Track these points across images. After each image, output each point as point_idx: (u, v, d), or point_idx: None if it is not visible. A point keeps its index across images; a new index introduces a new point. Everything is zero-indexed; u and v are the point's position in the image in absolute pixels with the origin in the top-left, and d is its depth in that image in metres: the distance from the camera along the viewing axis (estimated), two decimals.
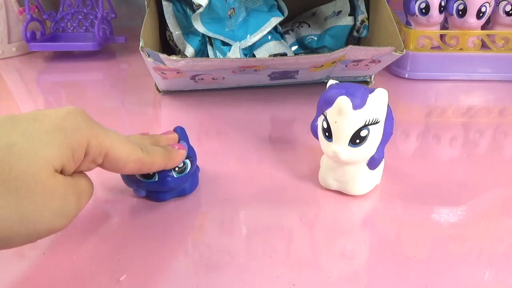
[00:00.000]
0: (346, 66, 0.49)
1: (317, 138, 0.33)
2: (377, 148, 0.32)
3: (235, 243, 0.29)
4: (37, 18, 0.69)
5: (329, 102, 0.30)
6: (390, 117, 0.32)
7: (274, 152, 0.41)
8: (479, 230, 0.31)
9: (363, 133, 0.30)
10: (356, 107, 0.29)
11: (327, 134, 0.31)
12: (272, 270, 0.27)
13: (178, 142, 0.32)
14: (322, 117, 0.32)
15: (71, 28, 0.72)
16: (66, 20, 0.72)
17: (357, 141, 0.30)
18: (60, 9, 0.71)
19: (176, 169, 0.31)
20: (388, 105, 0.32)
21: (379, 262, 0.28)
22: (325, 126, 0.31)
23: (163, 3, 0.53)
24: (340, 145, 0.31)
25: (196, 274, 0.27)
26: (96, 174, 0.38)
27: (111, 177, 0.37)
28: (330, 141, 0.31)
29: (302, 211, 0.33)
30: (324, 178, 0.35)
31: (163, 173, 0.31)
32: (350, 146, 0.31)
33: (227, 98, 0.53)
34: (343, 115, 0.30)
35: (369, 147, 0.31)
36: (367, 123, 0.30)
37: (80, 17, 0.72)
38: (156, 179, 0.30)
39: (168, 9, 0.53)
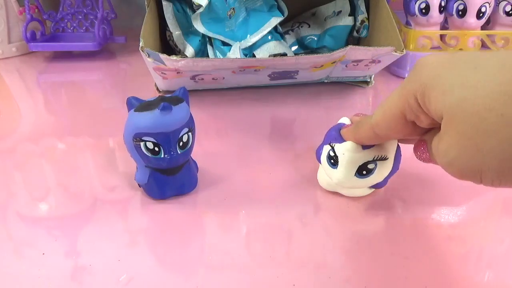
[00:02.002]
0: (346, 66, 0.49)
1: (320, 162, 0.33)
2: (384, 178, 0.32)
3: (235, 243, 0.29)
4: (37, 18, 0.69)
5: (339, 139, 0.31)
6: (399, 154, 0.32)
7: (274, 152, 0.41)
8: (479, 230, 0.31)
9: (370, 166, 0.30)
10: (365, 147, 0.30)
11: (332, 161, 0.31)
12: (272, 270, 0.27)
13: (180, 103, 0.31)
14: (328, 146, 0.32)
15: (71, 28, 0.72)
16: (66, 20, 0.72)
17: (364, 172, 0.30)
18: (60, 9, 0.71)
19: (181, 144, 0.31)
20: (398, 144, 0.32)
21: (379, 262, 0.28)
22: (332, 154, 0.31)
23: (163, 3, 0.53)
24: (345, 175, 0.31)
25: (196, 274, 0.27)
26: (95, 175, 0.38)
27: (111, 177, 0.37)
28: (335, 168, 0.31)
29: (302, 211, 0.33)
30: (323, 180, 0.35)
31: (169, 150, 0.30)
32: (357, 176, 0.31)
33: (227, 98, 0.53)
34: (352, 153, 0.30)
35: (376, 179, 0.31)
36: (375, 158, 0.30)
37: (80, 17, 0.72)
38: (162, 155, 0.30)
39: (168, 9, 0.53)
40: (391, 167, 0.32)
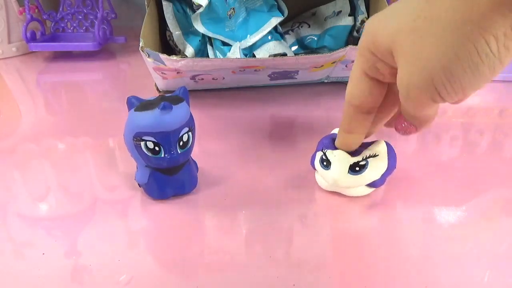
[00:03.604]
0: (346, 66, 0.49)
1: (314, 168, 0.34)
2: (381, 175, 0.33)
3: (235, 243, 0.29)
4: (37, 18, 0.69)
5: (331, 147, 0.33)
6: (393, 153, 0.33)
7: (274, 152, 0.41)
8: (479, 230, 0.31)
9: (362, 162, 0.32)
10: (354, 154, 0.32)
11: (325, 163, 0.33)
12: (272, 270, 0.27)
13: (180, 103, 0.31)
14: (320, 152, 0.33)
15: (71, 28, 0.72)
16: (66, 20, 0.72)
17: (357, 168, 0.32)
18: (60, 9, 0.71)
19: (181, 143, 0.31)
20: (389, 144, 0.33)
21: (379, 262, 0.28)
22: (324, 158, 0.33)
23: (163, 3, 0.53)
24: (339, 173, 0.32)
25: (196, 274, 0.27)
26: (95, 175, 0.38)
27: (111, 177, 0.37)
28: (328, 169, 0.32)
29: (302, 211, 0.33)
30: (321, 181, 0.35)
31: (169, 150, 0.30)
32: (350, 173, 0.32)
33: (227, 98, 0.53)
34: (343, 156, 0.32)
35: (371, 175, 0.32)
36: (365, 157, 0.32)
37: (80, 17, 0.72)
38: (162, 155, 0.30)
39: (168, 9, 0.53)
40: (385, 165, 0.33)
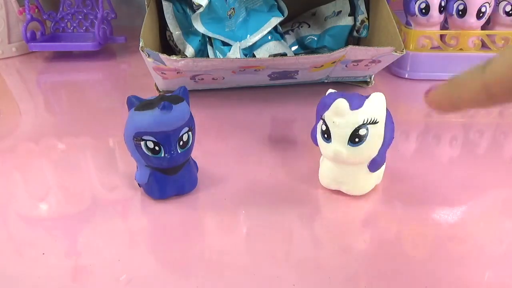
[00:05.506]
0: (346, 66, 0.49)
1: (317, 144, 0.33)
2: (379, 150, 0.32)
3: (235, 243, 0.29)
4: (37, 18, 0.69)
5: (327, 105, 0.31)
6: (390, 121, 0.32)
7: (274, 152, 0.41)
8: (479, 230, 0.31)
9: (362, 131, 0.30)
10: (353, 107, 0.30)
11: (326, 135, 0.32)
12: (272, 270, 0.27)
13: (180, 103, 0.31)
14: (320, 121, 0.32)
15: (71, 28, 0.72)
16: (66, 20, 0.72)
17: (356, 139, 0.30)
18: (60, 9, 0.71)
19: (181, 143, 0.31)
20: (387, 109, 0.32)
21: (379, 262, 0.28)
22: (324, 128, 0.32)
23: (163, 3, 0.53)
24: (339, 144, 0.31)
25: (196, 274, 0.27)
26: (95, 175, 0.38)
27: (111, 177, 0.37)
28: (329, 142, 0.31)
29: (302, 211, 0.33)
30: (323, 178, 0.35)
31: (169, 149, 0.30)
32: (350, 145, 0.31)
33: (227, 98, 0.53)
34: (341, 115, 0.30)
35: (370, 148, 0.31)
36: (365, 122, 0.30)
37: (80, 17, 0.72)
38: (162, 155, 0.30)
39: (168, 9, 0.53)
40: (382, 135, 0.31)
